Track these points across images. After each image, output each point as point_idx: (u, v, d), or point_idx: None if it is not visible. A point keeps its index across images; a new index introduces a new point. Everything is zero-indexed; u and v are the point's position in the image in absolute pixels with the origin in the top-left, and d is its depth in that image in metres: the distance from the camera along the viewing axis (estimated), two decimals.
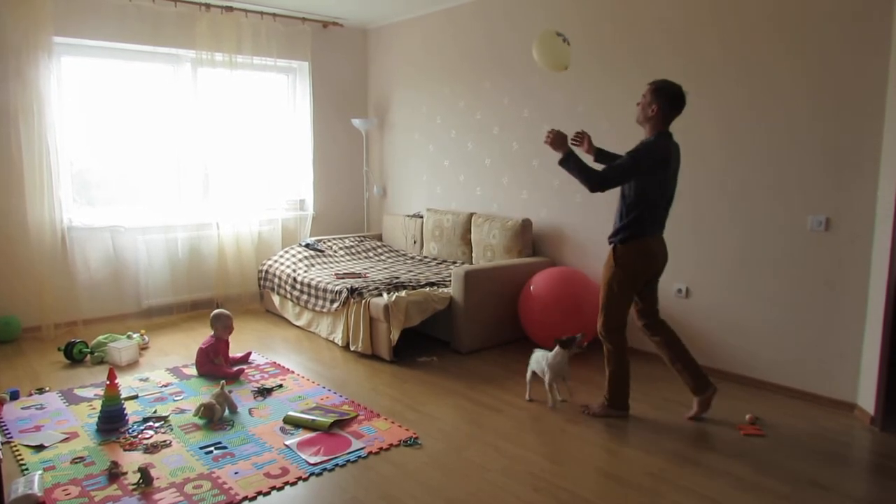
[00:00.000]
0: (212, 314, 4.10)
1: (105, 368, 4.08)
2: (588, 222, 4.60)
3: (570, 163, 3.14)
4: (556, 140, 3.17)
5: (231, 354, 4.18)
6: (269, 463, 2.83)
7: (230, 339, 4.20)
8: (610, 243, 3.26)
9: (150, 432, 3.13)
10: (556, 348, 3.42)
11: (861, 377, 3.38)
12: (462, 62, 5.48)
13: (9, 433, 3.13)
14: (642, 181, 3.08)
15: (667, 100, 3.04)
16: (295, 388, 3.75)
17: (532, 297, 4.33)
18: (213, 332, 4.04)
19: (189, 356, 4.30)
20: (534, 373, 3.56)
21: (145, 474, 2.63)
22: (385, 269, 5.18)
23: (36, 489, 2.50)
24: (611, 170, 3.08)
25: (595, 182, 3.07)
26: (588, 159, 3.40)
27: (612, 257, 3.22)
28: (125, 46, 5.10)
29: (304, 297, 4.92)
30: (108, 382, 3.19)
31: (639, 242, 3.16)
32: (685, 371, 3.30)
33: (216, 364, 3.96)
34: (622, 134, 4.31)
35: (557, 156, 3.21)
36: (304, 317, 5.00)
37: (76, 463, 2.82)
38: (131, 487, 2.61)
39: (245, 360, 4.21)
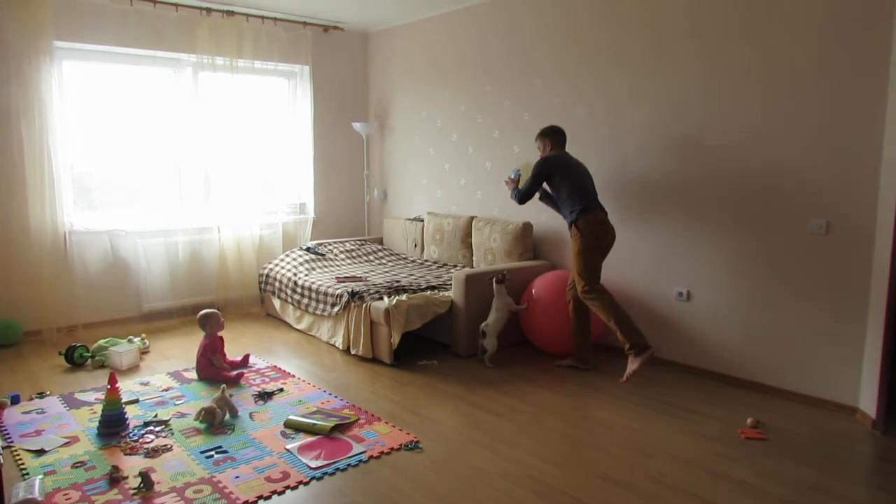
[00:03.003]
0: (199, 316, 4.06)
1: (106, 372, 4.09)
2: None
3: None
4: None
5: (230, 358, 4.18)
6: (269, 467, 2.83)
7: (225, 336, 4.19)
8: (570, 224, 3.97)
9: (151, 436, 3.13)
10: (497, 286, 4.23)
11: (862, 381, 3.38)
12: (462, 66, 5.48)
13: (9, 437, 3.13)
14: (555, 182, 3.98)
15: (547, 137, 4.11)
16: (295, 392, 3.75)
17: (533, 301, 4.33)
18: (205, 334, 4.04)
19: (189, 360, 4.30)
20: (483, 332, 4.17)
21: (146, 479, 2.63)
22: (386, 272, 5.18)
23: (37, 494, 2.50)
24: (525, 186, 4.07)
25: (518, 198, 4.08)
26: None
27: (577, 232, 3.92)
28: (126, 51, 5.11)
29: (305, 300, 4.92)
30: (108, 386, 3.19)
31: (590, 216, 3.90)
32: (583, 341, 4.13)
33: (215, 365, 3.96)
34: (619, 137, 4.33)
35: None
36: (305, 320, 5.00)
37: (77, 467, 2.82)
38: (132, 492, 2.61)
39: (244, 363, 4.20)
